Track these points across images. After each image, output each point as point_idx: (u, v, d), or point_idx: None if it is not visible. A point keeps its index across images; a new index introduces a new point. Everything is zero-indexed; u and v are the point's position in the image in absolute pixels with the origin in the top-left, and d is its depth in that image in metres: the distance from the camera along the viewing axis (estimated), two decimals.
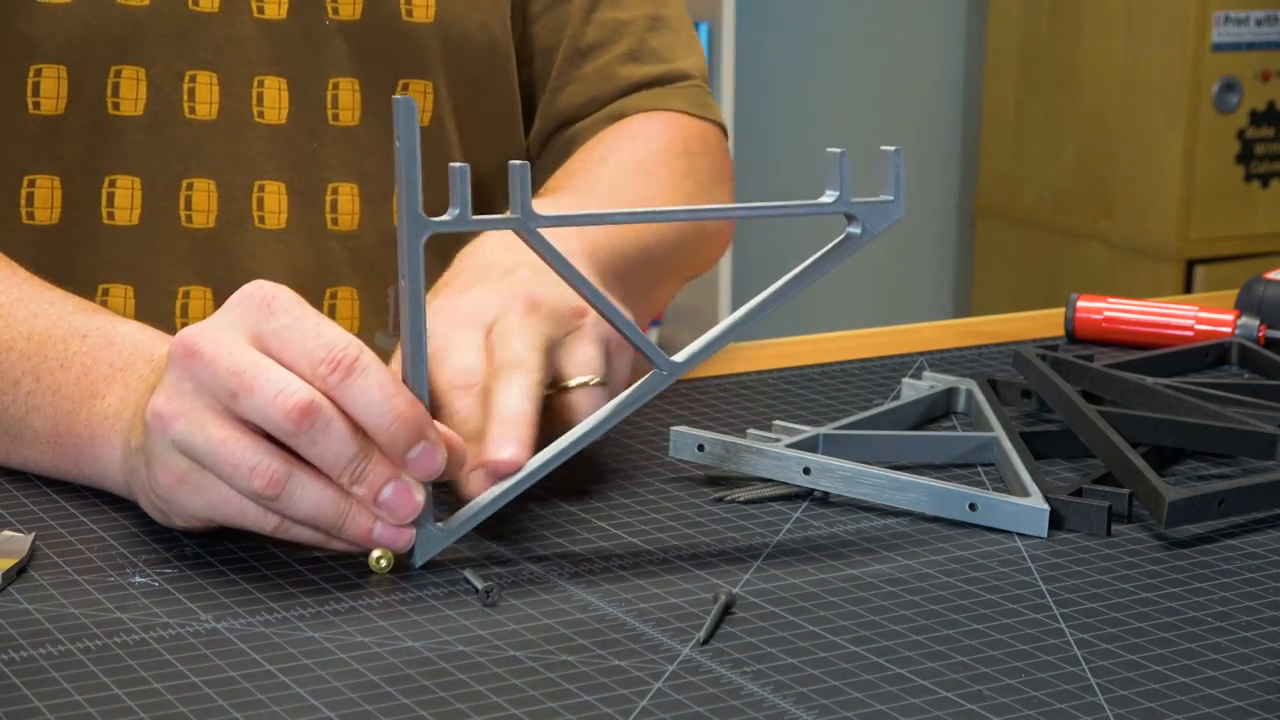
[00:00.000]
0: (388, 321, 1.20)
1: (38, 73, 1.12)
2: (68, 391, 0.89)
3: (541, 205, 0.97)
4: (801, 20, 3.45)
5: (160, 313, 1.14)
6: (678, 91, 1.25)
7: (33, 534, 0.84)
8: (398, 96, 0.78)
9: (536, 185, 1.15)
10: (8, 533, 0.84)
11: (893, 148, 0.87)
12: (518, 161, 0.79)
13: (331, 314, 1.18)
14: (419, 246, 0.79)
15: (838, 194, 0.86)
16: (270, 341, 0.80)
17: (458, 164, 0.78)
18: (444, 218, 0.79)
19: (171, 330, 0.83)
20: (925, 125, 3.59)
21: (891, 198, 0.87)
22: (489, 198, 1.19)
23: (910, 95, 3.56)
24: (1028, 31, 3.41)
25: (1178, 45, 3.12)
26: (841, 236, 0.88)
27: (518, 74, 1.24)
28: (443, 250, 0.94)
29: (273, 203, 1.16)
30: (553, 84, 1.25)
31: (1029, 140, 3.42)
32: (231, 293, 0.82)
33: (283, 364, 0.79)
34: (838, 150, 0.86)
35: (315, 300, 1.17)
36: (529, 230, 0.80)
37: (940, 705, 0.70)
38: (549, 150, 1.26)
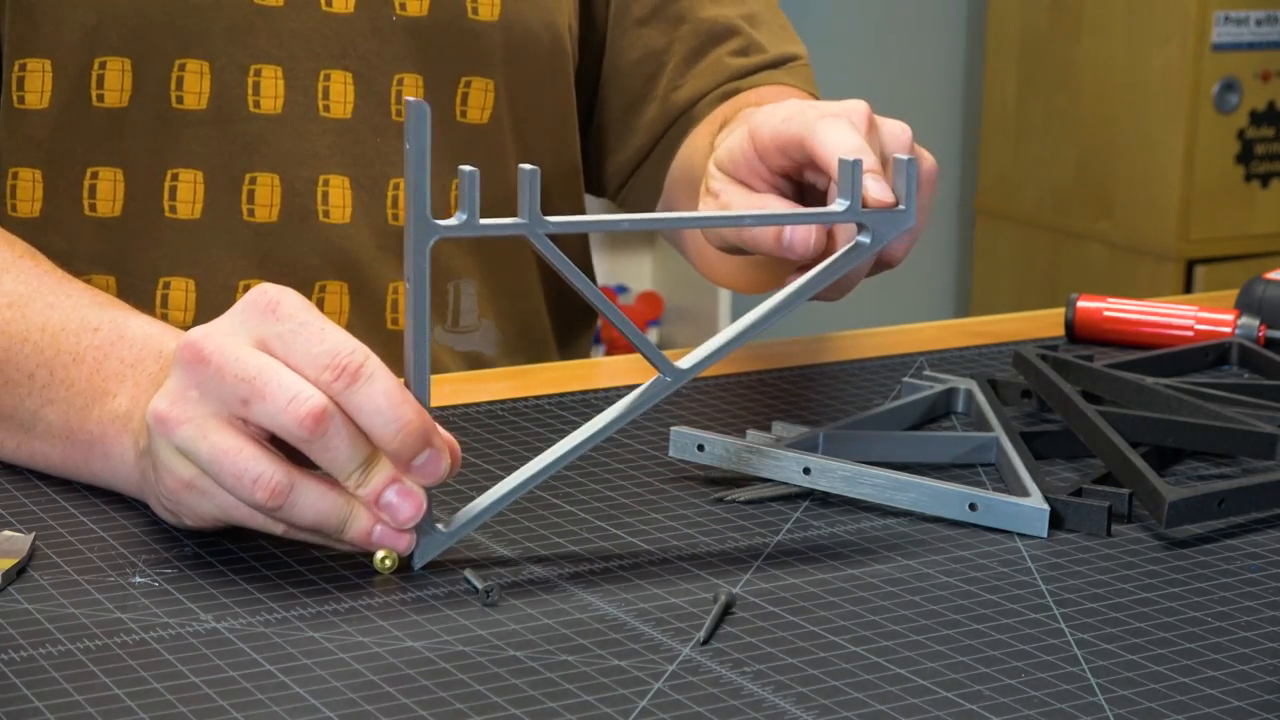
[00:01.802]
0: (446, 316, 1.21)
1: (102, 65, 1.12)
2: (80, 387, 0.89)
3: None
4: (800, 21, 3.42)
5: (221, 306, 1.14)
6: (786, 71, 1.30)
7: (33, 534, 0.84)
8: (410, 99, 0.78)
9: (654, 168, 1.28)
10: (8, 533, 0.84)
11: (905, 157, 0.87)
12: (527, 166, 0.79)
13: (394, 309, 1.18)
14: (425, 251, 0.79)
15: (849, 202, 0.86)
16: (275, 346, 0.80)
17: (467, 168, 0.78)
18: (450, 222, 0.79)
19: None
20: (925, 125, 3.58)
21: (903, 206, 0.87)
22: (544, 197, 1.21)
23: (910, 95, 3.55)
24: (1028, 31, 3.40)
25: (1178, 45, 3.12)
26: (851, 245, 0.88)
27: (609, 78, 1.29)
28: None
29: (337, 197, 1.17)
30: (666, 86, 1.28)
31: (1029, 140, 3.42)
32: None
33: (288, 369, 0.79)
34: (850, 159, 0.86)
35: (379, 294, 1.18)
36: (536, 235, 0.80)
37: (940, 705, 0.70)
38: (668, 136, 1.28)
